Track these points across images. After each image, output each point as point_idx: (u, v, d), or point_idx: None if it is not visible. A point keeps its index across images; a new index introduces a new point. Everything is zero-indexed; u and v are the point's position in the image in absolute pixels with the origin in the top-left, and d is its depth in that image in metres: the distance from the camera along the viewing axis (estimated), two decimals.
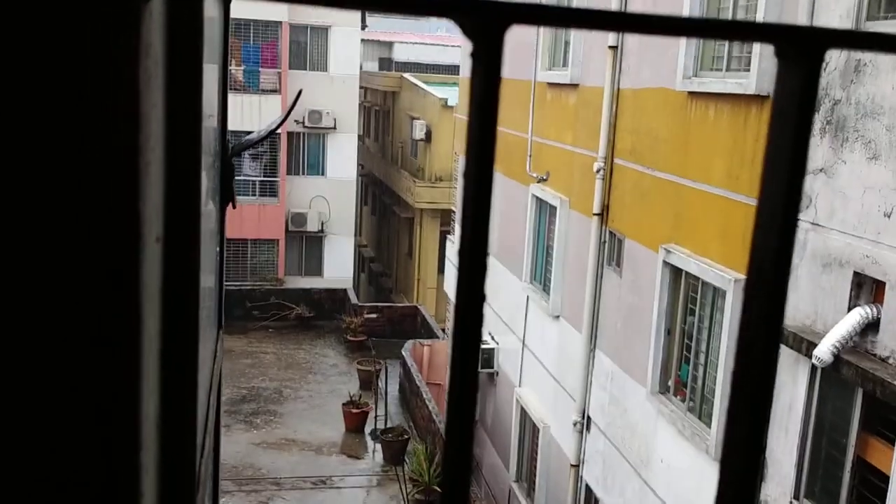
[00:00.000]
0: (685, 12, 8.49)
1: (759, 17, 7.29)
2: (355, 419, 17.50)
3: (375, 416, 17.54)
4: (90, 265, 0.50)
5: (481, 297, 0.48)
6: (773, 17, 7.16)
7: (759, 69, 7.33)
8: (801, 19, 6.79)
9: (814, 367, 6.39)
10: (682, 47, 8.59)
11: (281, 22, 25.41)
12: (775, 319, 0.53)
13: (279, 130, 24.90)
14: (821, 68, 0.51)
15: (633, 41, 9.95)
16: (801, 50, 0.51)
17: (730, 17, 8.07)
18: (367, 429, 17.57)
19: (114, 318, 0.50)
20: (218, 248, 1.65)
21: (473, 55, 0.48)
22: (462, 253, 0.48)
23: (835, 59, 6.49)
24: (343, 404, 17.78)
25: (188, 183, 0.67)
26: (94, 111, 0.47)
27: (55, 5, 0.47)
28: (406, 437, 16.52)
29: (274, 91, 25.36)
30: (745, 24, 0.51)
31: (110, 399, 0.53)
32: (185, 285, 0.67)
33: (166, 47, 0.58)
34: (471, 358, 0.48)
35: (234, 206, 1.77)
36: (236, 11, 26.40)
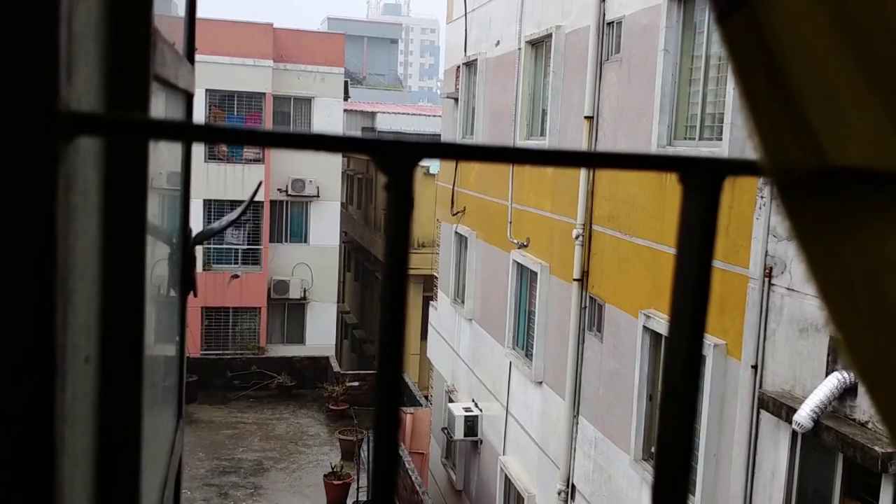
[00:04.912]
0: (657, 83, 8.70)
1: (729, 89, 7.48)
2: (337, 491, 17.17)
3: (358, 488, 17.22)
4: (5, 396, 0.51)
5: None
6: None
7: (731, 138, 7.48)
8: None
9: (794, 433, 6.38)
10: (656, 115, 8.78)
11: (265, 93, 25.74)
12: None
13: (262, 199, 25.02)
14: (720, 194, 0.54)
15: (608, 111, 10.15)
16: (702, 178, 0.54)
17: (700, 90, 8.27)
18: (350, 501, 17.22)
19: (28, 439, 0.51)
20: (178, 338, 1.66)
21: (386, 188, 0.51)
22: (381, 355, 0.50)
23: None
24: (325, 476, 17.46)
25: (129, 302, 0.68)
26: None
27: None
28: None
29: (257, 161, 25.54)
30: (652, 157, 0.55)
31: None
32: (125, 399, 0.68)
33: (105, 176, 0.60)
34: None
35: (195, 295, 1.79)
36: (220, 83, 26.44)
